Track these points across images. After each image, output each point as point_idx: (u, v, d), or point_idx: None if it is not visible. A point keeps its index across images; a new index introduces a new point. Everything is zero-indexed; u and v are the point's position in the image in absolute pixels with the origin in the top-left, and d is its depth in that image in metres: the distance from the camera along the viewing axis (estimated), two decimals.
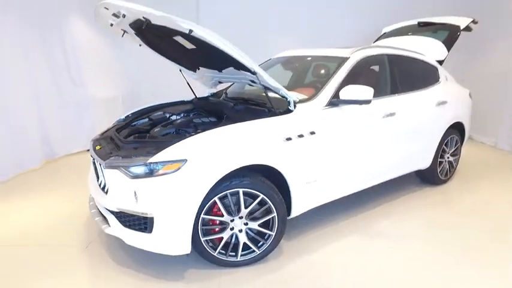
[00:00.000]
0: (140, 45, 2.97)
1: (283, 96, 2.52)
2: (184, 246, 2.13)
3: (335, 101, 2.65)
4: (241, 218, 2.31)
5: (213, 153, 2.13)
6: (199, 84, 3.56)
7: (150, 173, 2.07)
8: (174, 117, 3.04)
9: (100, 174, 2.41)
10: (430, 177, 3.80)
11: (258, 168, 2.32)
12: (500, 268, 2.39)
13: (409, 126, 3.26)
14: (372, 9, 5.89)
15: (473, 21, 4.03)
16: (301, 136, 2.43)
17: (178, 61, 3.16)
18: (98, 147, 2.50)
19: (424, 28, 4.30)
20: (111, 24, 2.53)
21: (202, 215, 2.18)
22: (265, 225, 2.39)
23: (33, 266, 2.41)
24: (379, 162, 3.07)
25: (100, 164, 2.34)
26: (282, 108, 2.53)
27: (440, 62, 3.95)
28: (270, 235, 2.39)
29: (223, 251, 2.33)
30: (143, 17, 2.19)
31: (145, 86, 5.77)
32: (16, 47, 4.20)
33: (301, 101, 2.60)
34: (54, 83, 4.82)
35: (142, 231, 2.14)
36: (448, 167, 3.88)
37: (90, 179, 2.64)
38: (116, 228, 2.24)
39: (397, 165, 3.29)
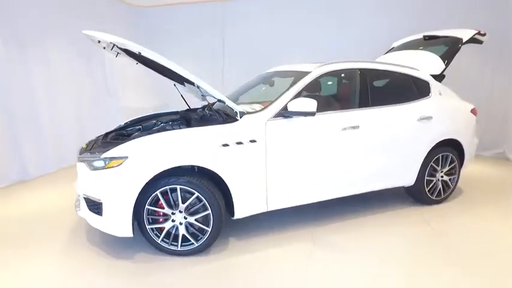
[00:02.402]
0: (137, 63, 3.55)
1: (231, 107, 2.82)
2: (125, 230, 2.54)
3: (283, 112, 2.84)
4: (181, 212, 2.64)
5: (150, 153, 2.52)
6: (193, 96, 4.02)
7: (103, 166, 2.55)
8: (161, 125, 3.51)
9: None
10: (419, 196, 3.62)
11: (203, 170, 2.64)
12: None
13: (377, 140, 3.21)
14: (388, 21, 5.82)
15: (480, 33, 3.76)
16: (239, 143, 2.68)
17: (170, 77, 3.66)
18: (84, 146, 3.10)
19: (430, 41, 4.15)
20: (104, 47, 3.14)
21: (147, 206, 2.58)
22: (205, 222, 2.68)
23: (24, 237, 3.07)
24: (338, 174, 3.11)
25: None
26: (232, 117, 2.82)
27: (440, 76, 3.76)
28: (206, 230, 2.67)
29: (166, 240, 2.68)
30: (110, 42, 2.72)
31: (174, 97, 6.54)
32: (64, 66, 5.24)
33: (250, 112, 2.85)
34: (93, 95, 5.82)
35: (98, 214, 2.62)
36: (441, 186, 3.64)
37: None
38: (84, 211, 2.76)
39: (364, 179, 3.25)
